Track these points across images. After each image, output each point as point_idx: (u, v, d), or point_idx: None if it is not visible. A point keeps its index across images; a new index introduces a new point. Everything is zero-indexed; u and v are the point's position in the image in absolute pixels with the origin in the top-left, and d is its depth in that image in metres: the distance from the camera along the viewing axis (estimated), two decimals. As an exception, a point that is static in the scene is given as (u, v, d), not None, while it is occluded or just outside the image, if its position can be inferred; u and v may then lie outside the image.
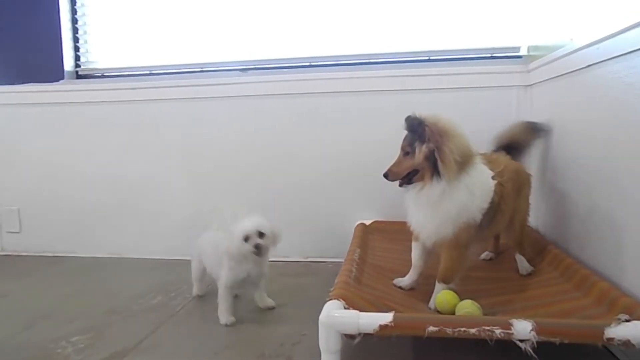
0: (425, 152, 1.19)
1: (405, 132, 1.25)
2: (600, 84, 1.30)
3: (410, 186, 1.26)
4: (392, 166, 1.26)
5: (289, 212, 2.18)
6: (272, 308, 1.57)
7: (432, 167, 1.19)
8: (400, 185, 1.27)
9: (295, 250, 2.16)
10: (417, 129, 1.21)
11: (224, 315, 1.46)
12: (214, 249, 1.53)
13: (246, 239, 1.40)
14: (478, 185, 1.24)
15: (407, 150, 1.23)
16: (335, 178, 2.13)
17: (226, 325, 1.44)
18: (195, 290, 1.71)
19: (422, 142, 1.19)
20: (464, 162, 1.20)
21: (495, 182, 1.28)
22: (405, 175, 1.25)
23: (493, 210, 1.28)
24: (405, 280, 1.40)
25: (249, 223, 1.43)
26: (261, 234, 1.41)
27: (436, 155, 1.18)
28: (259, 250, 1.40)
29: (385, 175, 1.27)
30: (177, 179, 2.26)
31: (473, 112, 1.99)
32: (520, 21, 2.00)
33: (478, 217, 1.24)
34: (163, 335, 1.41)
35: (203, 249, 1.62)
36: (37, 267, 2.19)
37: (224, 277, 1.47)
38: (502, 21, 2.02)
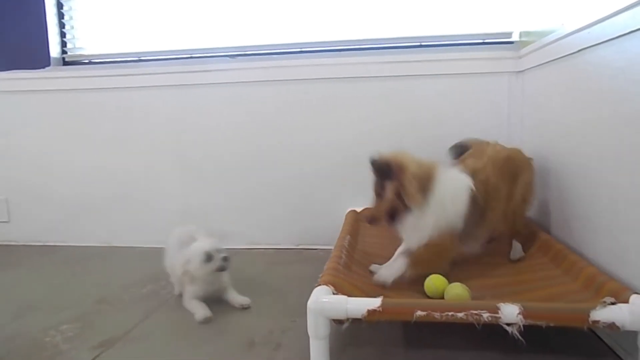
0: (393, 191, 1.23)
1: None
2: (591, 68, 1.29)
3: (396, 223, 1.29)
4: (371, 211, 1.30)
5: (280, 199, 2.17)
6: (247, 307, 1.46)
7: (403, 203, 1.23)
8: (388, 224, 1.30)
9: (286, 238, 2.16)
10: (382, 171, 1.25)
11: (199, 311, 1.40)
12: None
13: (209, 258, 1.39)
14: (448, 197, 1.27)
15: (379, 193, 1.27)
16: (326, 165, 2.12)
17: (205, 318, 1.38)
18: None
19: (389, 181, 1.24)
20: (425, 185, 1.24)
21: (471, 181, 1.31)
22: (388, 216, 1.28)
23: (479, 211, 1.31)
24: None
25: (205, 243, 1.41)
26: (219, 250, 1.41)
27: (401, 191, 1.22)
28: (226, 264, 1.40)
29: (370, 222, 1.31)
30: (166, 166, 2.24)
31: (464, 99, 1.99)
32: (513, 7, 1.98)
33: (458, 223, 1.28)
34: (153, 323, 1.41)
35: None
36: (26, 257, 2.17)
37: (189, 292, 1.45)
38: (494, 7, 2.00)
